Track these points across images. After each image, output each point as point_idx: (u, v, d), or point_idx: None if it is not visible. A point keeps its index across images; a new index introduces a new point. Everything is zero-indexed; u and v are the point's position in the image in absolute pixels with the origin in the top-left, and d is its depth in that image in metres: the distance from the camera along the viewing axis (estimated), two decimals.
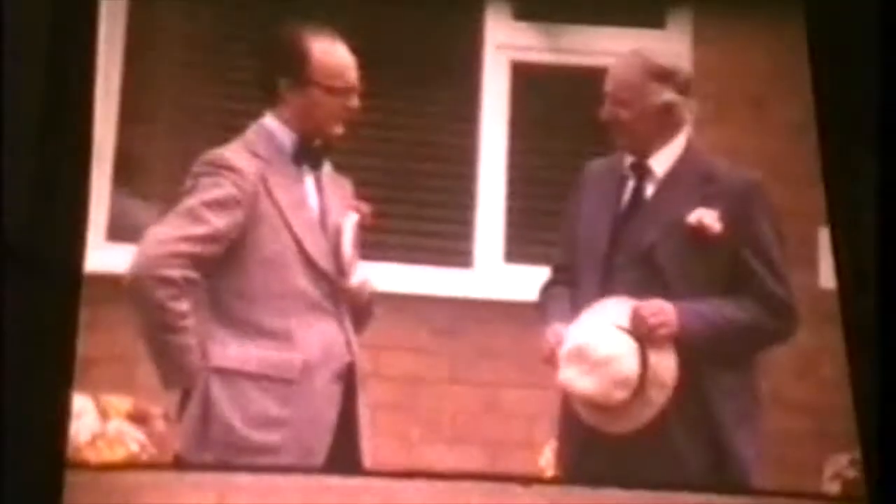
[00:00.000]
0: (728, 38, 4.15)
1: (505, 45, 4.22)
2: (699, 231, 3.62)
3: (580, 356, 3.55)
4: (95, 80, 3.53)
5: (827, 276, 3.94)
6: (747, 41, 4.16)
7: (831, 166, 3.77)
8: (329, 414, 3.47)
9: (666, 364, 3.55)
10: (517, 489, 3.48)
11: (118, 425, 3.84)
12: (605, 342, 3.55)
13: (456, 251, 4.07)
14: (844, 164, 3.72)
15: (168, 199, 3.58)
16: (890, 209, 3.50)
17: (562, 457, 3.67)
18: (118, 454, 3.82)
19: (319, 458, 3.45)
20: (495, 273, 4.04)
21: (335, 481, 3.37)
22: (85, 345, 3.60)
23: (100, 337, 3.73)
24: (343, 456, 3.50)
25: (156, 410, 3.81)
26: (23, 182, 3.35)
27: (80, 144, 3.51)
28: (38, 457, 3.22)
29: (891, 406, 3.39)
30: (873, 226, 3.57)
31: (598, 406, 3.55)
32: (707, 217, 3.63)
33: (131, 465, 3.66)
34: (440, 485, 3.46)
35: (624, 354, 3.55)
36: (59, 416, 3.31)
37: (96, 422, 3.81)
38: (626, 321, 3.58)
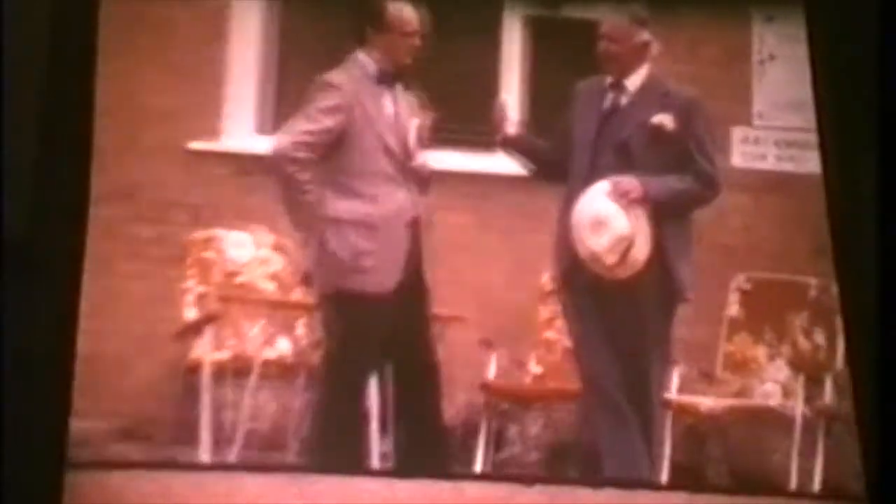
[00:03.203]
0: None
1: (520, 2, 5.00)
2: (659, 129, 4.35)
3: (597, 223, 4.22)
4: (96, 78, 3.48)
5: (736, 158, 4.72)
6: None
7: (831, 169, 3.92)
8: (403, 247, 4.39)
9: (643, 224, 4.25)
10: (519, 488, 3.49)
11: (267, 252, 4.70)
12: (605, 207, 4.24)
13: (488, 143, 4.75)
14: (844, 167, 3.83)
15: (294, 106, 4.40)
16: (890, 210, 3.52)
17: (556, 278, 4.54)
18: (267, 271, 4.62)
19: (396, 277, 4.33)
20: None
21: (335, 481, 3.35)
22: (246, 198, 4.47)
23: (253, 195, 4.61)
24: (412, 274, 4.36)
25: (291, 244, 4.62)
26: (23, 179, 3.22)
27: (80, 142, 3.48)
28: (38, 457, 3.05)
29: (891, 406, 3.36)
30: (873, 226, 3.58)
31: (604, 264, 4.23)
32: (664, 119, 4.36)
33: (131, 464, 3.72)
34: (441, 484, 3.45)
35: (617, 215, 4.24)
36: (59, 415, 3.11)
37: (252, 248, 4.70)
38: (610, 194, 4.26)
